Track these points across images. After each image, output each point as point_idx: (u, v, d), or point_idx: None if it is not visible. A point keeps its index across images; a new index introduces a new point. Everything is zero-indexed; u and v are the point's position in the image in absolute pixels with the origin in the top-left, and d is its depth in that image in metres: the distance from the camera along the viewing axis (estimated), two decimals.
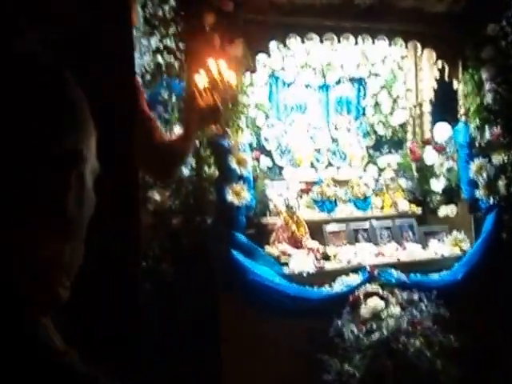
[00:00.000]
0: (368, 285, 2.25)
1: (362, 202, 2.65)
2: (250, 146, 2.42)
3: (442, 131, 2.73)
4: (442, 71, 2.64)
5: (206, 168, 2.23)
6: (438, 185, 2.71)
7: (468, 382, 2.13)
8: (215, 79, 1.72)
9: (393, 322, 2.13)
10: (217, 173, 2.23)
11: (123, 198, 1.35)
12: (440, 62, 2.60)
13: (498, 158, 2.48)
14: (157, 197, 2.22)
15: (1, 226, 0.40)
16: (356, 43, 2.48)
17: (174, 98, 2.17)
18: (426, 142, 2.83)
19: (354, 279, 2.27)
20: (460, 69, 2.58)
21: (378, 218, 2.61)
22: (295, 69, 2.79)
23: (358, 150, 2.86)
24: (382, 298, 2.22)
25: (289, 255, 2.31)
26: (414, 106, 2.91)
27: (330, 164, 2.81)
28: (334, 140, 2.87)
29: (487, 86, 2.51)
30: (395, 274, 2.31)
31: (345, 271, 2.32)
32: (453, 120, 2.70)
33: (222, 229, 2.18)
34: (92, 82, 1.30)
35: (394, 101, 2.92)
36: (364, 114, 2.97)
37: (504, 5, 2.46)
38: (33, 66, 0.43)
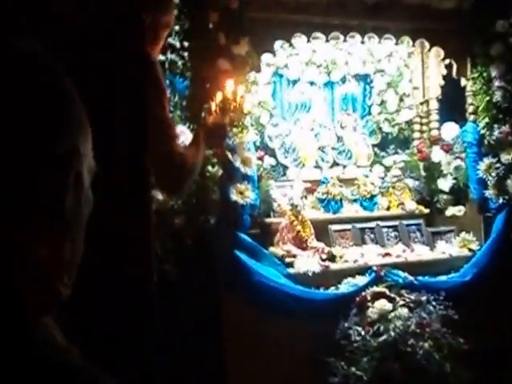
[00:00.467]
0: (375, 286, 2.25)
1: (369, 201, 2.66)
2: (255, 144, 2.43)
3: (450, 130, 2.73)
4: (449, 68, 2.65)
5: (209, 167, 2.24)
6: (445, 184, 2.71)
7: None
8: (228, 100, 1.72)
9: (400, 323, 2.14)
10: (220, 172, 2.24)
11: (134, 199, 1.37)
12: (448, 60, 2.60)
13: (507, 157, 2.49)
14: (159, 196, 2.23)
15: (0, 226, 0.41)
16: (362, 42, 2.49)
17: (176, 97, 2.19)
18: (433, 142, 2.83)
19: (361, 280, 2.28)
20: (469, 66, 2.59)
21: (384, 219, 2.61)
22: (299, 66, 2.80)
23: (363, 148, 2.86)
24: (389, 299, 2.22)
25: (294, 256, 2.32)
26: (421, 104, 2.91)
27: (335, 163, 2.82)
28: (339, 138, 2.87)
29: (496, 83, 2.52)
30: (402, 274, 2.32)
31: (351, 272, 2.32)
32: (460, 118, 2.71)
33: (225, 229, 2.19)
34: (105, 82, 1.32)
35: (401, 99, 2.93)
36: (370, 112, 2.97)
37: None
38: (29, 65, 0.44)
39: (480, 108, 2.56)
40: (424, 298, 2.24)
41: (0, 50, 0.43)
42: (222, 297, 2.09)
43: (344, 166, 2.82)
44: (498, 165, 2.52)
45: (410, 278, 2.32)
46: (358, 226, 2.54)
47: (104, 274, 1.21)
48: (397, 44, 2.58)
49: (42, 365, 0.40)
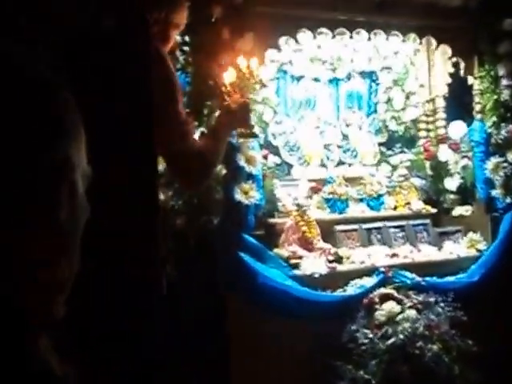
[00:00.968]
0: (382, 287, 2.27)
1: (375, 200, 2.67)
2: (259, 143, 2.43)
3: (457, 129, 2.75)
4: (456, 66, 2.67)
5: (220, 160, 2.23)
6: (452, 184, 2.74)
7: None
8: (244, 76, 1.70)
9: (409, 325, 2.15)
10: (224, 171, 2.23)
11: (140, 200, 1.36)
12: (455, 58, 2.62)
13: None
14: (160, 196, 2.22)
15: None
16: (369, 39, 2.50)
17: None
18: (440, 140, 2.85)
19: (368, 282, 2.29)
20: (476, 64, 2.61)
21: (390, 219, 2.62)
22: (304, 62, 2.79)
23: (369, 147, 2.87)
24: (397, 300, 2.24)
25: (299, 257, 2.33)
26: (427, 102, 2.93)
27: (340, 161, 2.82)
28: (345, 136, 2.87)
29: (504, 82, 2.55)
30: (410, 275, 2.34)
31: (358, 274, 2.33)
32: (467, 116, 2.73)
33: (229, 229, 2.18)
34: (106, 83, 1.31)
35: (407, 96, 2.94)
36: (375, 110, 2.98)
37: None
38: (12, 72, 0.43)
39: (487, 107, 2.59)
40: (432, 300, 2.26)
41: None
42: (226, 299, 2.09)
43: (350, 165, 2.82)
44: (505, 164, 2.54)
45: (418, 278, 2.33)
46: (365, 226, 2.55)
47: (109, 275, 1.21)
48: (404, 41, 2.59)
49: None
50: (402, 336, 2.12)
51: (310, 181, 2.62)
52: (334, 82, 2.91)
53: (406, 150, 2.90)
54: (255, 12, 2.25)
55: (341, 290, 2.27)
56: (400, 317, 2.18)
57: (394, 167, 2.84)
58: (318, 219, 2.48)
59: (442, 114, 2.90)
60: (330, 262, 2.33)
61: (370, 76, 2.98)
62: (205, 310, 2.02)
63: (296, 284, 2.21)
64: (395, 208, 2.72)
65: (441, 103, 2.89)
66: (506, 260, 2.46)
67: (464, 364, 2.13)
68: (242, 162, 2.23)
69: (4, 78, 0.42)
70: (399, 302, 2.23)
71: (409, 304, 2.23)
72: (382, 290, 2.26)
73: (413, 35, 2.56)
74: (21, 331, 0.41)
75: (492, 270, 2.44)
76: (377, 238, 2.54)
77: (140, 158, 1.34)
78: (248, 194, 2.24)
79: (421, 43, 2.69)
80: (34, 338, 0.42)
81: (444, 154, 2.78)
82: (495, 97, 2.57)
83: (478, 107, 2.65)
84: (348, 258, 2.39)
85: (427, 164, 2.85)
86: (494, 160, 2.57)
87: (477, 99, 2.65)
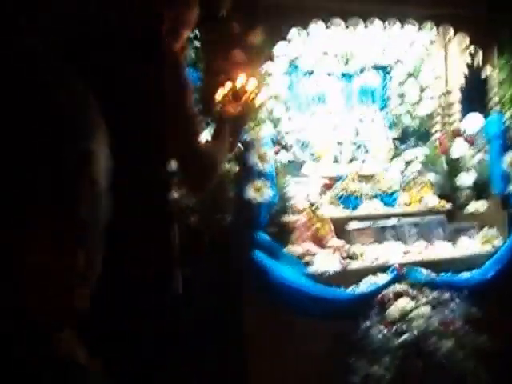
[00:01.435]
0: (396, 284, 2.31)
1: (389, 196, 2.69)
2: (272, 139, 2.46)
3: (474, 121, 2.74)
4: (473, 57, 2.63)
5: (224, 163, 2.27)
6: (468, 178, 2.74)
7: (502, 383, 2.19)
8: (238, 92, 1.71)
9: (422, 322, 2.20)
10: (236, 168, 2.27)
11: (154, 200, 1.41)
12: (473, 47, 2.58)
13: None
14: (173, 194, 2.27)
15: (7, 233, 0.41)
16: (384, 28, 2.48)
17: None
18: (456, 134, 2.85)
19: (382, 279, 2.33)
20: (495, 54, 2.56)
21: (405, 215, 2.64)
22: (315, 56, 2.79)
23: (383, 142, 2.88)
24: (411, 297, 2.28)
25: (313, 254, 2.37)
26: (444, 94, 2.90)
27: (353, 158, 2.84)
28: (358, 132, 2.89)
29: None
30: (424, 272, 2.37)
31: (372, 270, 2.38)
32: (484, 109, 2.71)
33: (242, 227, 2.23)
34: (118, 83, 1.35)
35: (422, 89, 2.92)
36: (389, 104, 2.97)
37: None
38: (39, 65, 0.44)
39: (506, 98, 2.56)
40: (446, 296, 2.29)
41: (7, 50, 0.44)
42: (239, 297, 2.14)
43: (363, 161, 2.83)
44: None
45: (432, 275, 2.37)
46: (378, 222, 2.58)
47: (124, 275, 1.26)
48: (420, 29, 2.55)
49: None
50: (416, 332, 2.17)
51: (323, 177, 2.65)
52: (347, 76, 2.90)
53: (420, 144, 2.90)
54: (266, 3, 2.25)
55: (354, 287, 2.32)
56: (414, 313, 2.23)
57: (408, 162, 2.85)
58: (331, 216, 2.52)
59: (458, 107, 2.88)
60: (344, 258, 2.38)
61: (383, 69, 2.97)
62: (218, 309, 2.08)
63: (310, 281, 2.26)
64: (409, 204, 2.73)
65: (457, 96, 2.86)
66: None
67: (478, 360, 2.17)
68: (254, 160, 2.27)
69: (28, 73, 0.44)
70: (413, 298, 2.28)
71: (423, 301, 2.28)
72: (396, 287, 2.30)
73: (429, 24, 2.53)
74: (34, 328, 0.41)
75: (507, 266, 2.46)
76: (391, 234, 2.57)
77: (153, 157, 1.38)
78: (260, 192, 2.28)
79: (438, 33, 2.65)
80: (56, 327, 0.43)
81: (459, 147, 2.77)
82: None
83: (495, 99, 2.62)
84: (361, 255, 2.43)
85: (442, 158, 2.85)
86: (510, 154, 2.57)
87: (495, 90, 2.62)
